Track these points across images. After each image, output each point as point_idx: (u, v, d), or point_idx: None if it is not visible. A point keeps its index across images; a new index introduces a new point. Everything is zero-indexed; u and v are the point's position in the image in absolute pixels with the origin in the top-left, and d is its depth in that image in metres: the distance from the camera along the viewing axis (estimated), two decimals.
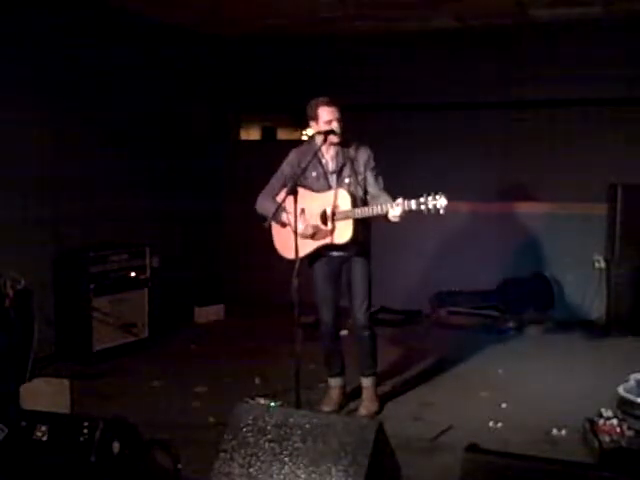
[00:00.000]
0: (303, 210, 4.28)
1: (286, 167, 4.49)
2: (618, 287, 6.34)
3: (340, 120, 4.32)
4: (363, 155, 4.41)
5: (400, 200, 4.08)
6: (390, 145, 7.14)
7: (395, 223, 4.13)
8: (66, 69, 5.86)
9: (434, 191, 4.06)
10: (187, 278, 7.18)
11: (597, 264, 6.56)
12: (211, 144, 7.80)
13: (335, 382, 4.69)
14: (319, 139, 4.35)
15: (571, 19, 6.39)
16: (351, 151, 4.40)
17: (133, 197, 6.59)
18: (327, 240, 4.33)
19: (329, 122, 4.30)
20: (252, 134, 9.03)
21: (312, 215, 4.33)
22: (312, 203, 4.31)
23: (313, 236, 4.33)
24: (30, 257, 5.36)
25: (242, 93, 7.91)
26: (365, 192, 4.40)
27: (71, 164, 5.90)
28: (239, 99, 7.95)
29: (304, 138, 7.27)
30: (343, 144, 4.38)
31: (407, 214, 4.08)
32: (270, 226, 4.36)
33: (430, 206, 4.02)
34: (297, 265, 4.02)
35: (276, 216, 4.29)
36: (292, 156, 4.50)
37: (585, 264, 6.61)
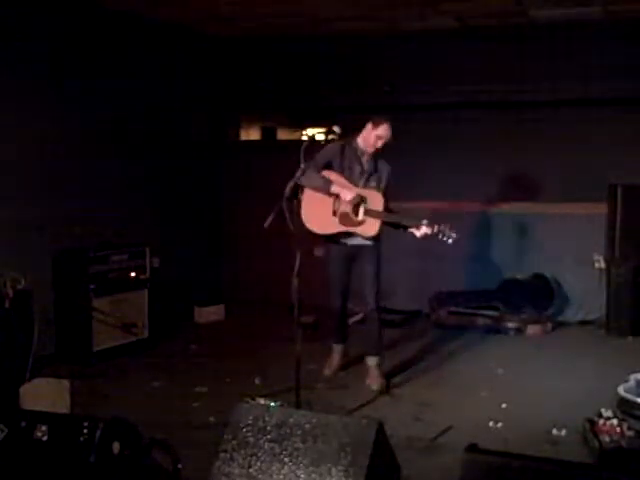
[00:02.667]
0: (338, 195, 4.77)
1: (328, 152, 4.88)
2: (618, 287, 6.34)
3: (380, 148, 4.86)
4: (386, 168, 4.97)
5: (426, 221, 4.67)
6: (390, 145, 7.15)
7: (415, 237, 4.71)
8: (66, 69, 5.86)
9: (450, 224, 4.68)
10: (187, 278, 7.18)
11: (597, 264, 6.56)
12: (211, 144, 7.81)
13: (337, 348, 5.30)
14: (362, 142, 4.88)
15: (571, 19, 6.39)
16: (378, 162, 4.96)
17: (133, 197, 6.59)
18: (352, 229, 4.83)
19: (380, 138, 4.82)
20: (252, 134, 9.03)
21: (345, 202, 4.79)
22: (348, 192, 4.77)
23: (343, 220, 4.81)
24: (30, 257, 5.36)
25: (242, 93, 7.91)
26: None
27: (71, 164, 5.90)
28: (239, 99, 7.95)
29: (304, 138, 7.26)
30: (376, 155, 4.92)
31: (430, 236, 4.69)
32: (269, 226, 4.38)
33: (446, 235, 4.66)
34: (297, 265, 4.03)
35: (325, 187, 4.75)
36: (337, 144, 4.87)
37: (585, 264, 6.61)
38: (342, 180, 4.81)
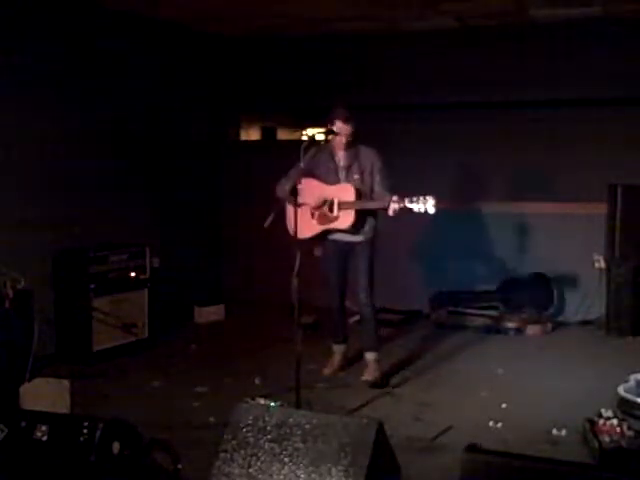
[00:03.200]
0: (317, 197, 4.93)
1: (303, 162, 4.79)
2: (618, 287, 6.34)
3: (350, 134, 4.87)
4: (370, 156, 4.99)
5: (395, 197, 4.64)
6: (390, 145, 7.14)
7: (393, 217, 4.71)
8: (66, 69, 5.86)
9: (424, 193, 4.60)
10: (187, 278, 7.18)
11: (597, 264, 6.55)
12: (211, 144, 7.80)
13: (338, 348, 5.35)
14: (332, 141, 4.94)
15: (571, 19, 6.39)
16: (359, 152, 4.99)
17: (133, 197, 6.59)
18: (331, 225, 4.95)
19: (340, 135, 4.86)
20: (252, 134, 9.03)
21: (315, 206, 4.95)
22: (323, 193, 4.96)
23: (320, 220, 4.95)
24: (30, 257, 5.36)
25: (242, 93, 7.91)
26: (371, 190, 4.98)
27: (71, 164, 5.89)
28: (239, 99, 7.95)
29: (304, 138, 7.27)
30: (351, 146, 4.95)
31: (402, 210, 4.64)
32: (269, 226, 4.40)
33: (420, 205, 4.59)
34: (297, 265, 4.04)
35: (292, 201, 4.72)
36: (311, 152, 4.90)
37: (585, 264, 6.61)
38: (313, 183, 4.93)
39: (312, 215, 4.98)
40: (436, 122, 7.11)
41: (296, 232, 4.37)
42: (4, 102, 5.35)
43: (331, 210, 4.93)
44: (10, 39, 5.39)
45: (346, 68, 7.31)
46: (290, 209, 4.85)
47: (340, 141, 4.88)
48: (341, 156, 4.99)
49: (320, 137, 4.74)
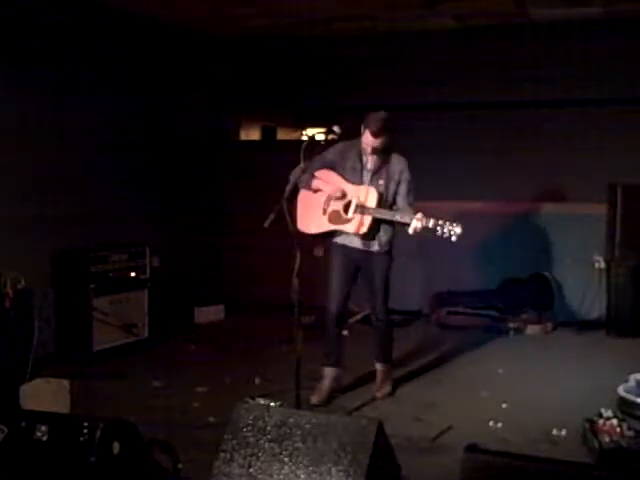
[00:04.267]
0: (330, 195, 4.60)
1: (329, 154, 4.67)
2: (618, 287, 6.34)
3: (377, 147, 4.52)
4: (399, 164, 4.65)
5: (420, 215, 4.33)
6: (389, 145, 7.15)
7: (411, 236, 4.40)
8: (66, 69, 5.86)
9: (453, 219, 4.32)
10: (187, 278, 7.18)
11: (597, 264, 6.56)
12: (211, 144, 7.80)
13: (329, 372, 4.77)
14: (363, 142, 4.57)
15: (571, 19, 6.39)
16: (390, 159, 4.64)
17: (133, 197, 6.59)
18: (342, 227, 4.59)
19: (367, 144, 4.53)
20: (252, 134, 9.02)
21: (337, 201, 4.60)
22: (343, 188, 4.59)
23: (331, 218, 4.60)
24: (30, 257, 5.36)
25: (242, 93, 7.91)
26: (394, 201, 4.62)
27: (71, 164, 5.90)
28: (239, 99, 7.95)
29: (304, 138, 7.26)
30: (382, 152, 4.59)
31: (423, 231, 4.32)
32: (269, 226, 4.38)
33: (445, 230, 4.28)
34: (297, 265, 4.03)
35: (307, 182, 4.56)
36: (338, 146, 4.68)
37: (585, 264, 6.61)
38: (334, 177, 4.61)
39: (324, 211, 4.60)
40: (436, 122, 7.11)
41: (297, 231, 4.25)
42: (4, 102, 5.35)
43: (346, 210, 4.56)
44: (10, 39, 5.39)
45: (346, 68, 7.30)
46: (303, 199, 4.65)
47: (367, 147, 4.53)
48: (370, 158, 4.61)
49: (320, 137, 4.65)
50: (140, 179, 6.70)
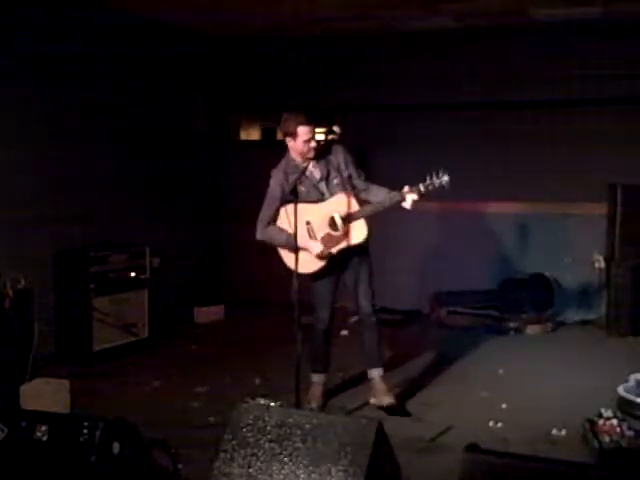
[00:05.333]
0: (309, 222, 4.32)
1: (276, 189, 4.42)
2: (618, 287, 6.34)
3: (316, 141, 4.33)
4: (339, 153, 4.45)
5: (407, 188, 4.20)
6: (390, 145, 7.16)
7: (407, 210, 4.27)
8: (66, 69, 5.86)
9: (435, 171, 4.19)
10: (187, 278, 7.18)
11: (597, 263, 6.56)
12: (211, 144, 7.81)
13: (319, 378, 4.67)
14: (296, 156, 4.38)
15: (571, 19, 6.39)
16: (329, 155, 4.44)
17: (133, 197, 6.59)
18: (344, 244, 4.35)
19: (308, 141, 4.30)
20: (252, 134, 9.02)
21: (320, 226, 4.37)
22: (316, 214, 4.34)
23: (328, 243, 4.34)
24: (30, 257, 5.37)
25: (242, 93, 7.91)
26: (353, 187, 4.45)
27: (71, 164, 5.90)
28: (239, 99, 7.95)
29: None
30: (319, 152, 4.39)
31: (420, 199, 4.21)
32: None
33: (436, 185, 4.16)
34: (297, 265, 4.03)
35: (290, 243, 4.20)
36: (277, 177, 4.44)
37: (585, 264, 6.61)
38: (301, 208, 4.14)
39: (320, 258, 4.36)
40: (436, 122, 7.11)
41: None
42: (4, 102, 5.35)
43: (334, 228, 4.34)
44: (10, 39, 5.39)
45: (346, 68, 7.31)
46: (283, 253, 4.44)
47: (309, 150, 4.30)
48: (312, 167, 4.37)
49: (320, 137, 4.58)
50: (140, 179, 6.70)
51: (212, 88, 7.75)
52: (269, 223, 4.46)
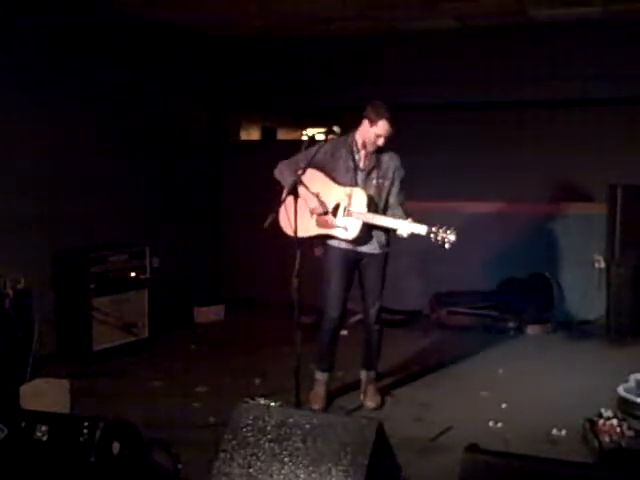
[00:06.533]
0: (318, 194, 4.38)
1: (318, 153, 4.41)
2: (618, 287, 6.34)
3: (388, 138, 4.38)
4: (393, 161, 4.49)
5: (410, 220, 4.21)
6: (390, 145, 7.15)
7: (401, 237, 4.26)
8: (66, 69, 5.86)
9: (447, 226, 4.18)
10: (187, 278, 7.18)
11: (597, 264, 6.55)
12: (211, 144, 7.81)
13: (323, 377, 4.70)
14: (359, 138, 4.42)
15: (571, 19, 6.39)
16: (383, 156, 4.47)
17: (133, 197, 6.59)
18: (330, 231, 4.40)
19: (379, 136, 4.35)
20: (252, 134, 9.03)
21: (325, 203, 4.41)
22: (329, 191, 4.38)
23: (319, 221, 4.40)
24: (30, 257, 5.37)
25: (242, 93, 7.91)
26: (386, 200, 4.47)
27: (71, 164, 5.90)
28: (239, 99, 7.96)
29: (304, 138, 7.27)
30: (378, 149, 4.45)
31: (415, 236, 4.20)
32: (269, 226, 4.37)
33: (439, 238, 4.15)
34: (297, 265, 4.03)
35: (292, 187, 4.22)
36: (328, 144, 4.44)
37: (585, 264, 6.61)
38: (318, 180, 4.36)
39: (311, 214, 4.41)
40: (436, 122, 7.11)
41: (296, 231, 4.08)
42: (4, 102, 5.35)
43: (335, 214, 4.38)
44: (11, 38, 5.39)
45: (346, 68, 7.31)
46: (288, 204, 4.31)
47: (375, 142, 4.34)
48: (362, 156, 4.42)
49: (320, 137, 4.58)
50: (140, 179, 6.69)
51: (212, 88, 7.75)
52: (291, 168, 4.40)
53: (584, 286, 6.71)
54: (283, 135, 9.49)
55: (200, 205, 7.56)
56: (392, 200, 4.48)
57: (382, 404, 4.70)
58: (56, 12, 5.72)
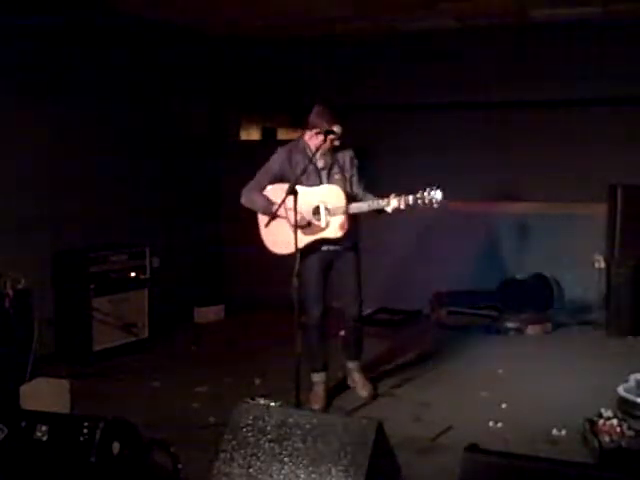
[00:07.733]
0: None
1: (274, 165, 4.59)
2: (618, 287, 6.34)
3: (340, 135, 4.46)
4: (348, 155, 4.60)
5: (393, 195, 4.28)
6: (390, 145, 7.16)
7: (389, 215, 4.36)
8: (66, 69, 5.86)
9: (431, 185, 4.26)
10: (187, 278, 7.18)
11: (597, 264, 6.55)
12: (211, 144, 7.80)
13: (320, 377, 4.74)
14: (312, 139, 4.49)
15: (571, 19, 6.39)
16: (337, 151, 4.57)
17: (133, 197, 6.59)
18: (320, 235, 4.44)
19: (335, 139, 4.45)
20: (252, 134, 9.02)
21: (304, 210, 4.40)
22: (302, 198, 4.27)
23: (305, 230, 4.40)
24: (30, 257, 5.37)
25: (242, 93, 7.91)
26: (351, 190, 4.55)
27: (71, 164, 5.90)
28: (239, 99, 7.95)
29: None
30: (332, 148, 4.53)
31: (406, 208, 4.27)
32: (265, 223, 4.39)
33: (426, 201, 4.23)
34: (297, 265, 4.03)
35: (268, 209, 4.39)
36: (281, 154, 4.58)
37: (585, 264, 6.60)
38: (300, 187, 4.26)
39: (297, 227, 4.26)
40: (436, 122, 7.11)
41: (296, 231, 4.06)
42: (4, 102, 5.35)
43: (318, 218, 4.41)
44: (10, 38, 5.39)
45: (346, 68, 7.30)
46: (262, 223, 4.51)
47: (330, 145, 4.43)
48: (318, 155, 4.46)
49: (320, 136, 4.57)
50: (140, 179, 6.69)
51: (212, 88, 7.75)
52: (256, 191, 4.57)
53: (584, 286, 6.71)
54: (283, 135, 9.47)
55: (200, 205, 7.56)
56: (357, 189, 4.57)
57: (375, 392, 4.81)
58: (56, 12, 5.72)
